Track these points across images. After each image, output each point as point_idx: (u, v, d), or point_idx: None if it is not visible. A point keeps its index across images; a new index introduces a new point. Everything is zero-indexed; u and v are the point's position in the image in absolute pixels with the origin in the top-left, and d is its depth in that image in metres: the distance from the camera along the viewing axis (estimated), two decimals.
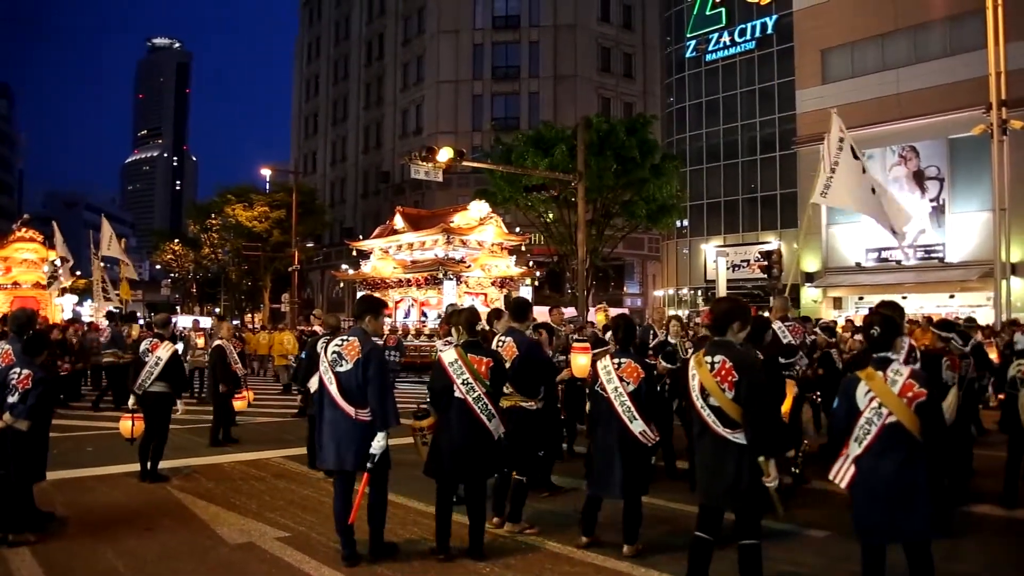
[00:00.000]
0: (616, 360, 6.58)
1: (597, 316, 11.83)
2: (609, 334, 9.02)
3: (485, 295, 25.96)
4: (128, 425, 9.33)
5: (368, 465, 6.09)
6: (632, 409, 6.37)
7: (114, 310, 23.07)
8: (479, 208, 26.37)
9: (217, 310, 65.06)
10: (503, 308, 8.49)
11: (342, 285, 33.67)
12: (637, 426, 6.35)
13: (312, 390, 10.32)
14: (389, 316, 26.63)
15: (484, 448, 6.27)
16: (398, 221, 27.09)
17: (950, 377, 7.96)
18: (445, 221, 25.55)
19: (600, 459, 6.60)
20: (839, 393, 5.03)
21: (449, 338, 8.20)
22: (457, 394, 6.25)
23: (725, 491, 4.97)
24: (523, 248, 30.37)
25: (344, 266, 35.37)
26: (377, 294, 27.11)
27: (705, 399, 5.05)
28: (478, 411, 6.19)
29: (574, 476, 8.86)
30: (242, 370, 13.71)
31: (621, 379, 6.45)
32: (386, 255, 27.14)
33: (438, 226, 25.23)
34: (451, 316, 8.46)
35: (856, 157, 10.57)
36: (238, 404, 13.26)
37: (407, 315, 26.88)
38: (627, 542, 6.44)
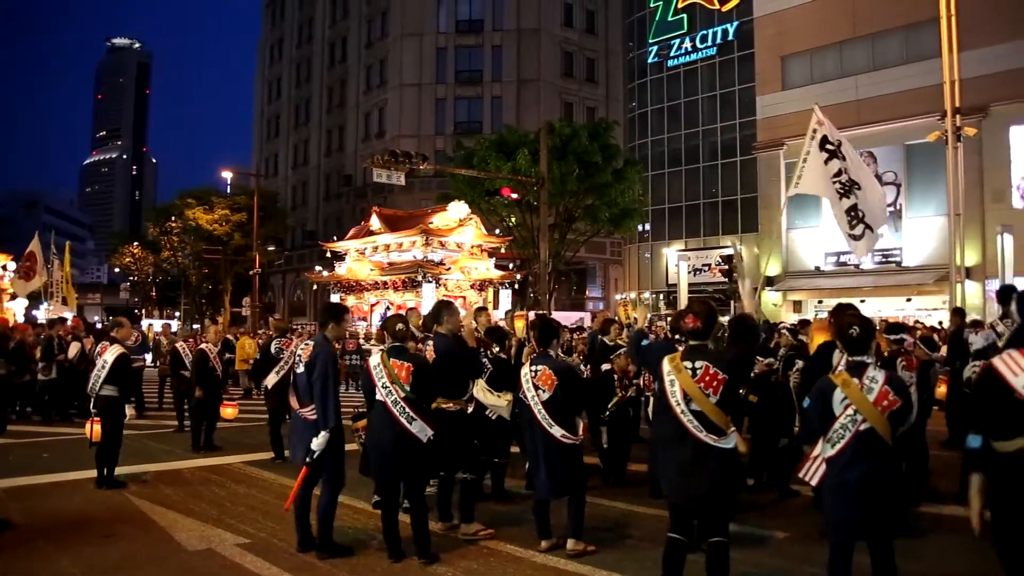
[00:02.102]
0: (533, 367, 6.70)
1: (516, 324, 11.47)
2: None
3: (464, 298, 25.72)
4: (89, 428, 9.26)
5: (307, 460, 6.33)
6: (548, 417, 6.50)
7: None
8: (458, 209, 26.02)
9: (177, 314, 64.41)
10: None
11: (315, 287, 33.19)
12: (556, 431, 6.48)
13: (268, 387, 11.31)
14: (364, 320, 26.04)
15: (406, 451, 6.31)
16: (374, 222, 26.60)
17: (907, 377, 8.07)
18: (424, 222, 25.12)
19: (531, 461, 6.82)
20: (813, 395, 5.06)
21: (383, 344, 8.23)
22: (378, 397, 6.38)
23: (702, 493, 5.02)
24: (502, 250, 30.18)
25: (318, 268, 35.01)
26: (352, 297, 26.79)
27: (687, 404, 5.07)
28: (396, 414, 6.28)
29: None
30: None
31: (536, 387, 6.57)
32: (362, 256, 26.67)
33: (417, 227, 24.82)
34: (385, 321, 8.54)
35: (823, 149, 10.61)
36: (228, 412, 13.10)
37: (383, 318, 26.45)
38: (570, 536, 6.53)
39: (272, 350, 11.65)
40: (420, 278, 23.91)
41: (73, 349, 15.94)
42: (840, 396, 4.81)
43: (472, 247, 26.20)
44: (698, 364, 5.08)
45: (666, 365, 5.26)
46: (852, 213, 10.44)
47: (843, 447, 4.77)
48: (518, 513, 7.84)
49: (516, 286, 27.85)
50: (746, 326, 6.50)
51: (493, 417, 7.80)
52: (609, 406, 9.01)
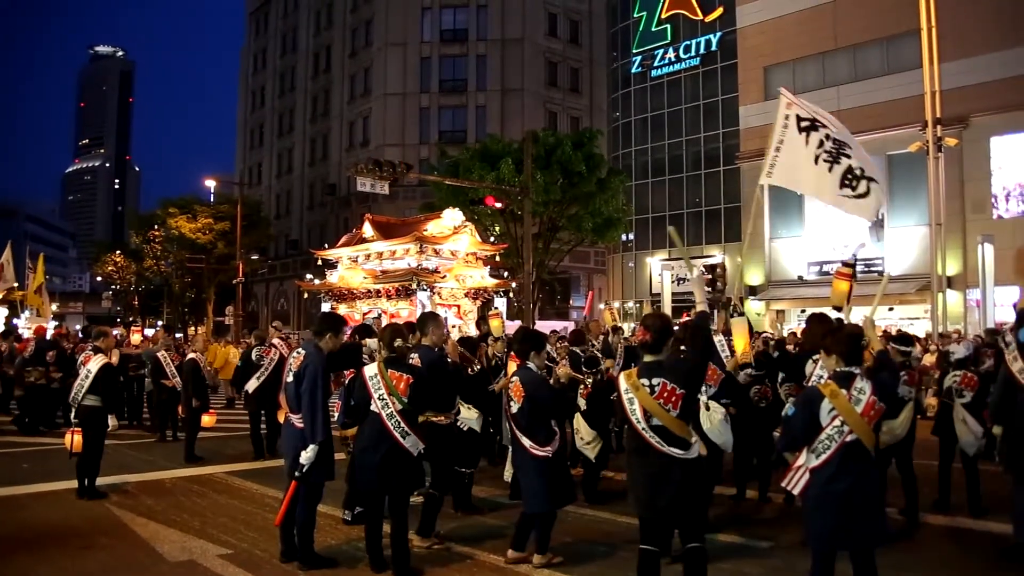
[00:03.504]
0: (511, 379, 6.72)
1: (492, 323, 11.30)
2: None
3: (459, 307, 25.45)
4: (69, 439, 9.20)
5: (296, 473, 6.28)
6: (516, 428, 6.54)
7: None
8: (453, 216, 25.63)
9: (160, 323, 64.04)
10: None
11: (306, 295, 32.94)
12: (526, 442, 6.47)
13: (249, 391, 12.05)
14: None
15: (396, 463, 6.23)
16: (367, 229, 26.19)
17: (906, 392, 8.06)
18: (418, 230, 24.79)
19: (515, 473, 6.80)
20: (799, 404, 5.09)
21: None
22: (373, 408, 6.27)
23: (669, 502, 5.02)
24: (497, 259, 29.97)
25: (308, 276, 34.80)
26: (344, 305, 26.55)
27: (648, 421, 5.07)
28: (391, 428, 6.19)
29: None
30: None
31: (510, 398, 6.60)
32: (354, 264, 26.22)
33: (411, 235, 24.52)
34: (359, 330, 8.53)
35: (800, 128, 10.06)
36: (206, 420, 13.06)
37: (358, 327, 25.80)
38: (536, 551, 6.48)
39: (253, 357, 12.39)
40: (414, 286, 23.58)
41: (114, 357, 15.81)
42: (828, 407, 4.82)
43: (467, 255, 25.88)
44: (655, 381, 5.07)
45: (623, 383, 5.25)
46: (850, 176, 9.91)
47: (828, 458, 4.78)
48: (503, 524, 7.83)
49: (512, 294, 27.60)
50: (697, 330, 6.37)
51: (464, 428, 7.83)
52: (611, 426, 9.02)
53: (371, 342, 8.03)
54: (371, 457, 6.27)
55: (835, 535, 4.80)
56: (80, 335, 17.43)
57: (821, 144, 9.82)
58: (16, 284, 27.94)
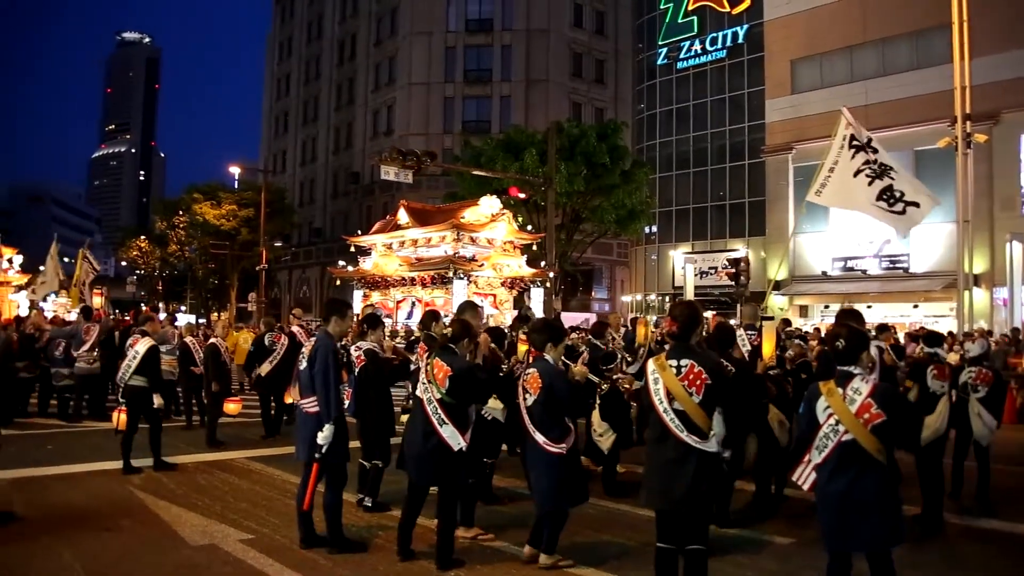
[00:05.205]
0: (527, 370, 6.53)
1: (520, 348, 11.41)
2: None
3: (494, 296, 25.18)
4: (117, 417, 9.55)
5: (316, 455, 6.35)
6: (531, 422, 6.28)
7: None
8: (490, 204, 25.24)
9: (183, 308, 64.47)
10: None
11: (338, 282, 32.66)
12: (539, 437, 6.22)
13: (261, 375, 12.67)
14: (389, 316, 25.22)
15: (435, 453, 6.18)
16: (402, 216, 25.87)
17: (938, 387, 7.97)
18: (455, 217, 24.49)
19: (526, 470, 6.67)
20: (804, 400, 5.07)
21: (361, 341, 8.21)
22: (418, 393, 6.38)
23: (683, 495, 4.98)
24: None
25: (342, 263, 34.80)
26: (378, 293, 26.41)
27: (670, 403, 5.06)
28: (429, 413, 6.20)
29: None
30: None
31: (525, 390, 6.39)
32: (389, 251, 25.96)
33: (447, 222, 24.24)
34: (366, 320, 8.55)
35: (853, 148, 10.50)
36: (231, 408, 13.11)
37: (409, 316, 25.22)
38: (543, 551, 6.30)
39: (266, 343, 13.07)
40: (451, 274, 23.28)
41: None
42: (823, 404, 4.81)
43: (504, 243, 25.60)
44: (683, 362, 5.08)
45: (651, 364, 5.25)
46: (888, 193, 10.31)
47: (827, 456, 4.76)
48: (524, 515, 7.81)
49: (548, 284, 27.26)
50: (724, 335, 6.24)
51: (488, 417, 7.79)
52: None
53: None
54: (414, 442, 6.29)
55: (837, 535, 4.76)
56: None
57: (867, 162, 10.25)
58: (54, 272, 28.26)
